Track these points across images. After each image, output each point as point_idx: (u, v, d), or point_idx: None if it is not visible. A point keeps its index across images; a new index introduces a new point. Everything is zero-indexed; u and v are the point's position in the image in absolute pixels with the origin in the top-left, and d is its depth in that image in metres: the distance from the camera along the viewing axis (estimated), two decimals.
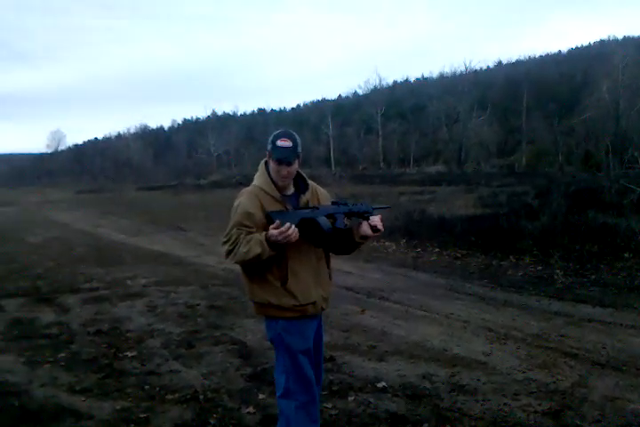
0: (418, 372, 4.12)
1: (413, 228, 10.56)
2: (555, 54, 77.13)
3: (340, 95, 78.06)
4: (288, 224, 2.43)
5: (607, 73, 40.25)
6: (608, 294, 6.20)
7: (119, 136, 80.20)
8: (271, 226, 2.45)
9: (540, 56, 76.00)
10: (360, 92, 69.59)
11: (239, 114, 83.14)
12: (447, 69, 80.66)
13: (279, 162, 2.61)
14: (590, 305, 5.78)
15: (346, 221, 2.72)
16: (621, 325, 5.04)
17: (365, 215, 2.73)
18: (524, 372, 4.05)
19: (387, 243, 9.98)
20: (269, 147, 2.64)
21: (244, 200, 2.63)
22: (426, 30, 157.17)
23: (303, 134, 61.84)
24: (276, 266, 2.58)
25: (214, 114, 78.46)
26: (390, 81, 72.75)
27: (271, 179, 2.68)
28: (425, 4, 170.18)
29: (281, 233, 2.40)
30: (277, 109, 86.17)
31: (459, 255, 8.73)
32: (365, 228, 2.70)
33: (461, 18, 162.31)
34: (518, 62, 73.86)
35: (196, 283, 7.73)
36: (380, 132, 53.38)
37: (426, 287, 6.83)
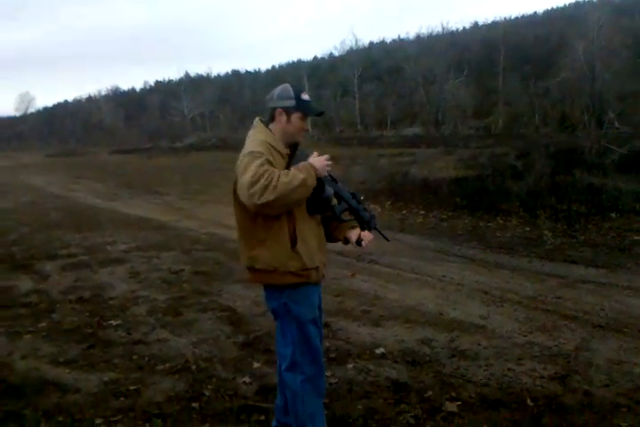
0: (416, 337, 4.00)
1: (397, 190, 10.40)
2: (530, 15, 76.36)
3: (315, 56, 76.51)
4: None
5: (582, 34, 39.92)
6: (600, 254, 6.15)
7: (90, 98, 78.05)
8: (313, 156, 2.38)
9: (516, 17, 75.17)
10: (336, 53, 68.26)
11: (213, 75, 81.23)
12: (424, 30, 79.17)
13: (307, 116, 2.47)
14: (583, 266, 5.72)
15: (344, 215, 2.54)
16: (617, 286, 4.99)
17: (363, 225, 2.56)
18: (524, 335, 3.95)
19: (372, 205, 9.82)
20: (291, 102, 2.43)
21: (258, 147, 2.33)
22: None
23: None
24: (287, 226, 2.37)
25: (187, 75, 76.54)
26: (366, 42, 71.46)
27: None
28: None
29: (325, 159, 2.35)
30: (252, 71, 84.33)
31: (445, 217, 8.62)
32: (353, 235, 2.57)
33: None
34: (494, 23, 72.90)
35: (178, 248, 7.50)
36: (357, 95, 52.69)
37: (415, 250, 6.71)
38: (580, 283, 5.16)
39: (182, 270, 6.31)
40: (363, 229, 2.56)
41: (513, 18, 73.19)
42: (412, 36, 72.92)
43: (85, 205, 12.61)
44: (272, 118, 2.49)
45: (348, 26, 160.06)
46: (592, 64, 38.99)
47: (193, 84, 67.16)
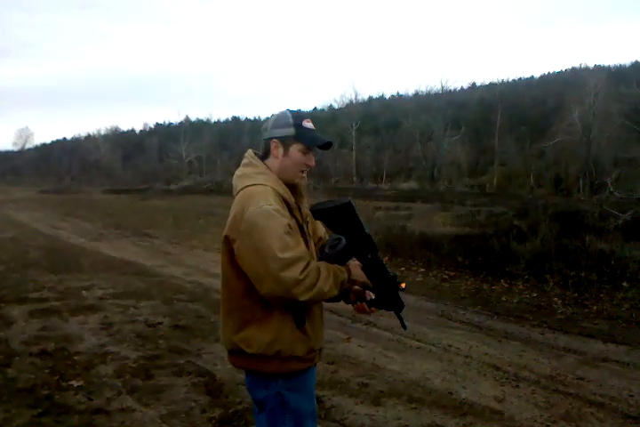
0: (423, 421, 3.45)
1: (395, 244, 9.94)
2: (527, 79, 78.52)
3: (315, 107, 77.76)
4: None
5: (579, 99, 40.80)
6: (617, 328, 5.63)
7: (89, 137, 78.41)
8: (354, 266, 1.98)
9: (514, 80, 77.22)
10: (336, 105, 69.40)
11: (213, 121, 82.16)
12: (423, 88, 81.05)
13: (310, 147, 2.00)
14: (601, 341, 5.19)
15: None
16: None
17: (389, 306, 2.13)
18: (548, 425, 3.41)
19: None
20: (289, 131, 1.98)
21: (269, 199, 1.86)
22: (402, 49, 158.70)
23: None
24: None
25: (187, 119, 77.25)
26: (366, 96, 72.75)
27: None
28: (401, 24, 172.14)
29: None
30: (252, 118, 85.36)
31: (446, 277, 8.12)
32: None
33: (435, 39, 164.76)
34: (492, 85, 74.83)
35: (159, 297, 6.94)
36: (354, 147, 53.13)
37: (416, 312, 6.18)
38: (600, 361, 4.63)
39: (160, 323, 5.74)
40: (380, 308, 2.09)
41: (510, 80, 75.10)
42: (410, 92, 74.54)
43: (68, 245, 12.05)
44: (267, 153, 2.03)
45: (348, 80, 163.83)
46: (588, 129, 39.74)
47: (192, 128, 67.70)
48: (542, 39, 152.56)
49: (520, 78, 78.16)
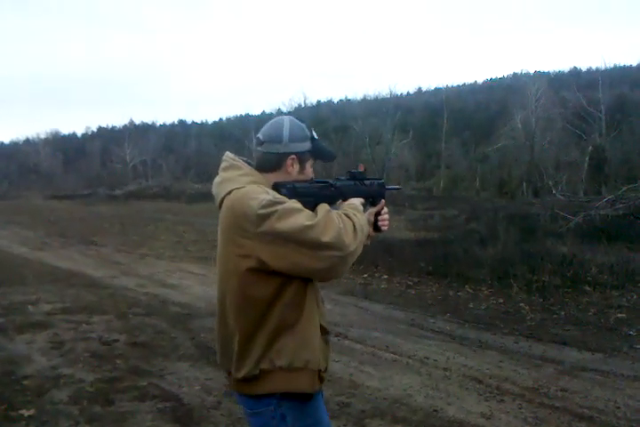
0: None
1: None
2: (471, 84, 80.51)
3: (264, 111, 77.31)
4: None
5: (521, 104, 42.01)
6: (587, 334, 5.59)
7: (28, 141, 75.29)
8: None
9: (458, 85, 79.07)
10: (284, 109, 69.20)
11: (158, 124, 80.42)
12: (371, 92, 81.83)
13: (315, 160, 1.87)
14: (575, 348, 5.13)
15: None
16: (622, 375, 4.39)
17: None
18: None
19: None
20: (307, 145, 1.82)
21: (271, 193, 1.67)
22: (349, 54, 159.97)
23: (226, 148, 60.37)
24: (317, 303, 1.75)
25: (132, 122, 75.38)
26: (314, 100, 72.78)
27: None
28: (346, 30, 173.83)
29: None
30: (199, 122, 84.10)
31: (410, 283, 7.99)
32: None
33: (382, 45, 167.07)
34: (437, 90, 76.41)
35: (112, 311, 6.51)
36: None
37: (385, 322, 6.00)
38: (579, 371, 4.54)
39: (116, 341, 5.34)
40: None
41: (455, 85, 76.84)
42: (359, 97, 75.09)
43: (9, 255, 11.33)
44: (274, 167, 1.79)
45: (297, 84, 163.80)
46: (530, 133, 40.88)
47: (137, 132, 66.05)
48: (484, 46, 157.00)
49: (464, 84, 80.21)
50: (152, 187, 39.13)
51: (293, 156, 1.77)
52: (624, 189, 14.29)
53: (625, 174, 31.73)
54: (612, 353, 4.99)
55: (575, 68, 71.29)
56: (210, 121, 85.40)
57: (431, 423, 3.51)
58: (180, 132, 74.54)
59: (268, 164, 1.79)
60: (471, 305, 6.85)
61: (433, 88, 78.08)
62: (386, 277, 8.45)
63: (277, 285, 1.65)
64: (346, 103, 74.60)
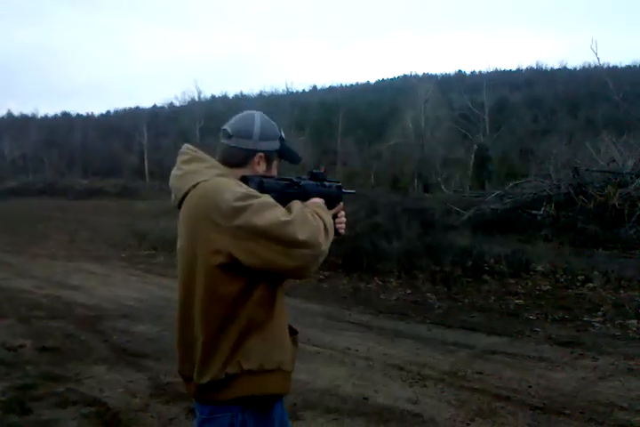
0: None
1: None
2: (364, 84, 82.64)
3: (155, 104, 74.91)
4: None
5: (411, 105, 43.82)
6: (492, 320, 5.98)
7: None
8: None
9: (351, 85, 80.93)
10: (177, 103, 67.48)
11: (40, 116, 75.44)
12: (267, 89, 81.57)
13: (281, 161, 1.84)
14: (484, 334, 5.46)
15: None
16: (529, 357, 4.73)
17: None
18: (467, 424, 3.45)
19: None
20: (276, 144, 1.78)
21: (244, 186, 1.63)
22: (245, 50, 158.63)
23: (114, 143, 58.09)
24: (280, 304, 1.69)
25: (10, 114, 70.23)
26: (209, 95, 71.48)
27: None
28: (240, 25, 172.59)
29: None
30: (84, 114, 79.81)
31: (322, 277, 8.12)
32: None
33: (276, 41, 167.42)
34: (332, 88, 77.79)
35: (12, 315, 6.08)
36: (200, 145, 51.98)
37: (303, 315, 6.05)
38: (490, 354, 4.84)
39: (22, 346, 5.00)
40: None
41: (348, 85, 78.53)
42: (255, 92, 74.81)
43: None
44: (241, 163, 1.74)
45: (190, 78, 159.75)
46: (420, 132, 42.73)
47: (16, 125, 61.64)
48: (376, 47, 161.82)
49: (357, 83, 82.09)
50: (35, 182, 36.70)
51: (262, 154, 1.73)
52: (511, 184, 15.40)
53: (505, 171, 34.10)
54: (517, 336, 5.36)
55: (460, 71, 75.19)
56: (97, 114, 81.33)
57: (362, 411, 3.61)
58: (64, 126, 70.28)
59: (234, 159, 1.74)
60: (382, 296, 7.09)
61: (327, 87, 79.48)
62: None
63: (247, 282, 1.58)
64: (241, 98, 73.96)
